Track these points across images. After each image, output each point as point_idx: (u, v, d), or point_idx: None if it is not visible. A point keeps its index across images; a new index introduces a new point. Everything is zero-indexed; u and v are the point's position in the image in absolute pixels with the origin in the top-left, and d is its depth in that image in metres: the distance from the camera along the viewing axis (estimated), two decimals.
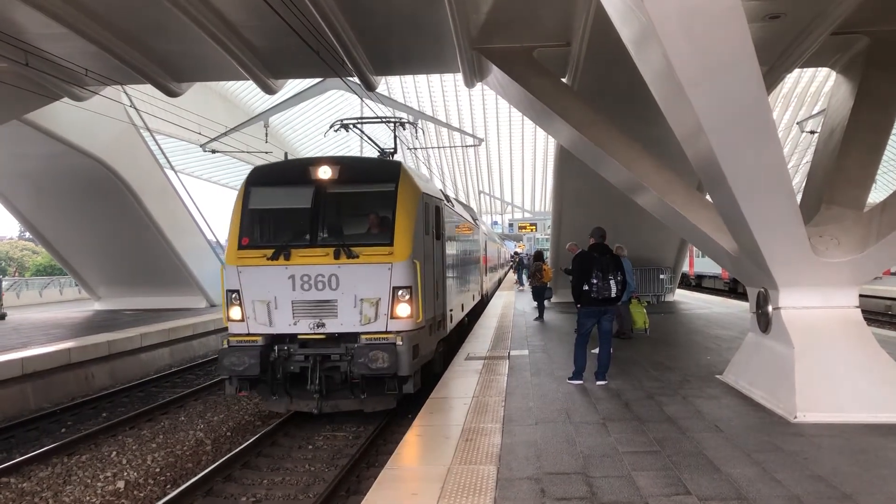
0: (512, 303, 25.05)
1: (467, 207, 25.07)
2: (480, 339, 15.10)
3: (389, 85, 52.29)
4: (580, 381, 10.06)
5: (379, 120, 15.73)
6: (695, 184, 13.03)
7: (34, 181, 23.29)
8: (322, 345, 10.37)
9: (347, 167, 11.04)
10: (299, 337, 10.38)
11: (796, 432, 7.27)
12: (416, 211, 10.79)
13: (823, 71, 33.23)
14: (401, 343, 9.95)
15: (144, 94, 20.72)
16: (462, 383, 10.15)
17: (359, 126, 14.34)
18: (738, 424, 7.64)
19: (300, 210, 10.91)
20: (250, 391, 10.78)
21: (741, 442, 6.94)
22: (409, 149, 29.46)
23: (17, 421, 12.21)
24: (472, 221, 22.03)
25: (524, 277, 34.12)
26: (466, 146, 56.77)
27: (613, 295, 9.79)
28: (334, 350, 10.29)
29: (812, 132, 30.81)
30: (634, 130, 12.11)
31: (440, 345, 12.71)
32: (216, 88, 41.30)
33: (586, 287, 9.79)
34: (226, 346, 10.40)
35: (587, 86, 13.94)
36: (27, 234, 55.58)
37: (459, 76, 15.16)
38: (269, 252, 10.45)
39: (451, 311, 13.98)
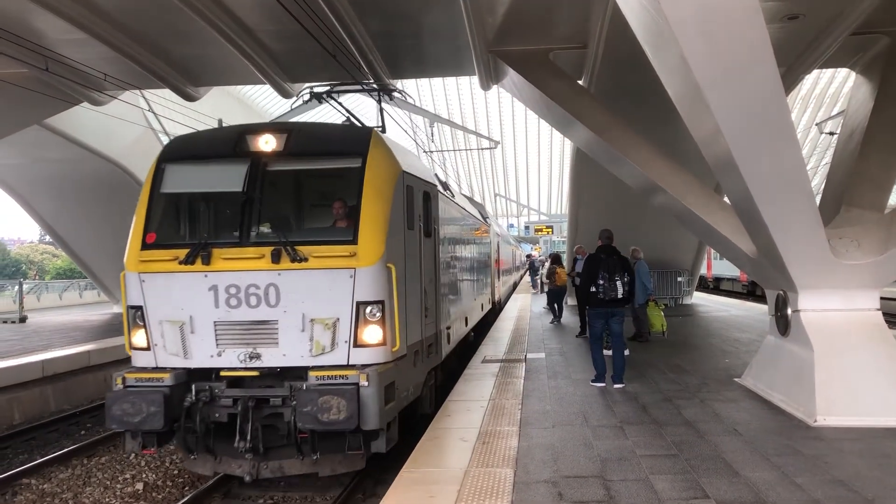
0: (528, 305, 25.03)
1: (475, 203, 21.85)
2: (497, 342, 15.11)
3: (405, 88, 52.44)
4: (602, 384, 10.00)
5: (360, 87, 11.50)
6: (712, 185, 12.95)
7: (54, 185, 23.58)
8: (258, 384, 7.55)
9: (298, 135, 8.20)
10: (224, 374, 7.56)
11: (816, 436, 7.20)
12: (392, 196, 7.95)
13: (843, 71, 32.95)
14: (366, 383, 6.99)
15: (162, 98, 20.89)
16: (479, 386, 10.14)
17: (334, 96, 10.65)
18: (757, 428, 7.58)
19: (228, 195, 8.12)
20: (160, 446, 8.03)
21: (760, 445, 6.88)
22: (424, 152, 29.42)
23: (38, 423, 12.33)
24: (482, 219, 18.97)
25: (537, 281, 34.06)
26: (482, 149, 56.67)
27: (620, 296, 9.81)
28: (275, 392, 7.41)
29: (831, 133, 30.53)
30: (651, 132, 12.07)
31: (432, 375, 9.78)
32: (233, 92, 41.45)
33: (593, 288, 9.88)
34: (119, 385, 7.49)
35: (604, 88, 13.91)
36: (47, 238, 56.27)
37: (475, 79, 15.17)
38: (183, 253, 7.61)
39: (447, 328, 10.93)
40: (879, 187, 9.78)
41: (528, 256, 57.49)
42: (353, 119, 10.26)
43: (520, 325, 18.47)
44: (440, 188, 10.88)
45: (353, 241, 7.52)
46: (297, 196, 9.09)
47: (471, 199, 21.03)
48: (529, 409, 8.59)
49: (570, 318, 20.10)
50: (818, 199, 9.15)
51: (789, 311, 8.70)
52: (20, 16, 12.17)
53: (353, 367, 7.33)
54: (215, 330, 7.53)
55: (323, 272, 7.47)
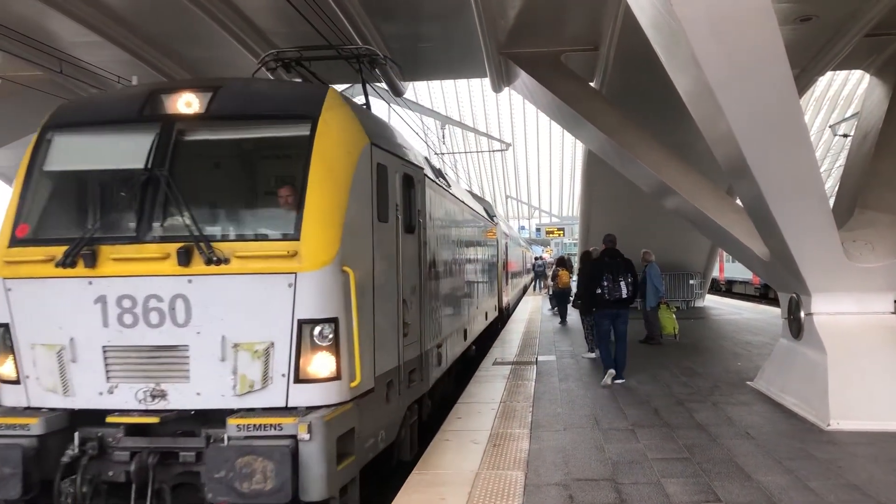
0: (539, 308, 25.00)
1: (479, 199, 19.39)
2: (508, 345, 15.10)
3: (416, 90, 52.53)
4: (621, 380, 10.48)
5: (335, 53, 8.25)
6: (725, 187, 12.90)
7: None
8: (163, 431, 5.38)
9: (227, 94, 6.09)
10: (113, 419, 5.35)
11: (829, 440, 7.15)
12: (353, 175, 5.89)
13: (857, 73, 32.78)
14: (307, 436, 4.97)
15: None
16: (489, 388, 10.13)
17: (304, 63, 8.38)
18: (770, 431, 7.54)
19: (126, 174, 5.89)
20: None
21: (773, 449, 6.84)
22: (436, 153, 29.44)
23: None
24: (487, 217, 17.19)
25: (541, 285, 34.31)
26: (493, 151, 56.68)
27: (624, 296, 10.35)
28: (185, 442, 5.31)
29: (845, 135, 30.39)
30: (663, 134, 12.05)
31: (415, 410, 7.70)
32: None
33: (599, 290, 10.41)
34: None
35: (615, 89, 13.88)
36: None
37: (486, 81, 15.18)
38: (61, 251, 5.50)
39: (437, 347, 8.83)
40: (894, 190, 9.70)
41: (538, 258, 52.44)
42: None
43: (530, 328, 18.44)
44: (430, 174, 8.67)
45: (294, 236, 5.43)
46: (222, 175, 6.72)
47: (475, 195, 19.42)
48: (540, 412, 8.57)
49: (578, 319, 20.04)
50: (832, 202, 9.11)
51: (802, 314, 8.65)
52: (35, 18, 12.28)
53: (293, 410, 5.26)
54: (105, 358, 5.42)
55: (250, 278, 5.35)
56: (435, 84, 55.90)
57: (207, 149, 6.30)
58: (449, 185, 10.95)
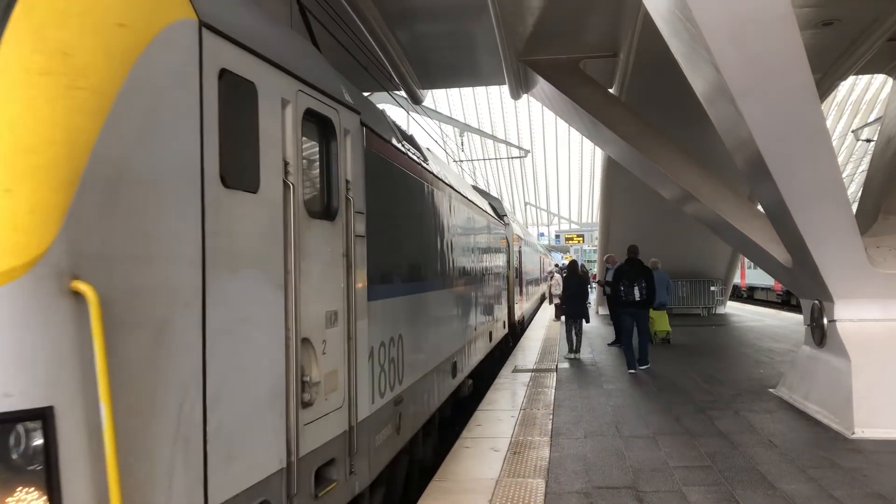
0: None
1: (485, 194, 17.50)
2: (527, 352, 15.08)
3: (435, 98, 52.69)
4: (634, 371, 11.92)
5: None
6: (746, 193, 12.83)
7: None
8: None
9: None
10: None
11: (854, 448, 7.07)
12: (129, 71, 2.80)
13: (879, 77, 32.47)
14: None
15: None
16: (509, 396, 10.12)
17: None
18: (793, 440, 7.46)
19: None
20: None
21: (796, 458, 6.78)
22: (455, 161, 29.45)
23: None
24: (494, 216, 15.01)
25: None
26: (512, 158, 56.69)
27: (638, 299, 12.08)
28: None
29: (868, 140, 30.09)
30: (683, 139, 12.02)
31: None
32: None
33: (618, 293, 12.35)
34: None
35: (635, 96, 13.86)
36: None
37: (505, 88, 15.21)
38: None
39: (396, 404, 5.99)
40: None
41: (557, 266, 44.78)
42: None
43: (550, 335, 18.39)
44: (381, 131, 5.88)
45: None
46: None
47: (480, 190, 16.97)
48: (561, 420, 8.55)
49: (598, 326, 19.98)
50: (855, 208, 9.02)
51: (825, 321, 8.57)
52: None
53: None
54: None
55: None
56: (453, 92, 56.09)
57: None
58: (426, 161, 8.01)
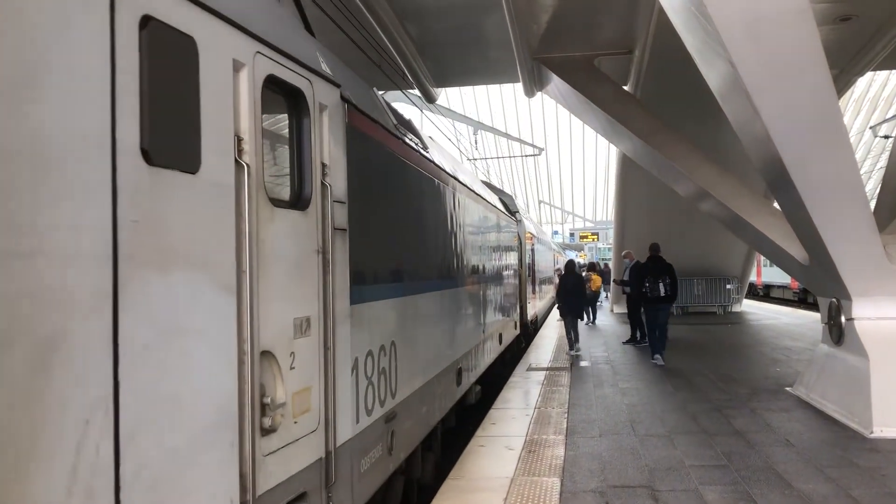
0: None
1: (494, 188, 16.95)
2: (542, 350, 15.07)
3: (449, 96, 52.66)
4: (660, 357, 12.61)
5: None
6: (762, 190, 12.74)
7: None
8: None
9: None
10: None
11: (872, 447, 7.01)
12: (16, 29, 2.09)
13: None
14: None
15: None
16: (523, 394, 10.10)
17: None
18: (811, 439, 7.40)
19: None
20: None
21: (814, 457, 6.72)
22: (469, 159, 29.44)
23: None
24: (504, 211, 14.57)
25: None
26: (526, 156, 56.58)
27: (663, 294, 12.59)
28: None
29: (886, 137, 29.80)
30: (699, 137, 11.97)
31: None
32: None
33: (643, 290, 12.72)
34: None
35: (650, 93, 13.79)
36: None
37: (519, 86, 15.18)
38: None
39: (387, 421, 5.35)
40: None
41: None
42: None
43: (563, 333, 18.32)
44: (368, 111, 5.20)
45: None
46: None
47: (490, 185, 16.79)
48: (576, 418, 8.53)
49: (614, 324, 19.92)
50: (873, 204, 8.93)
51: (843, 319, 8.49)
52: None
53: None
54: None
55: None
56: (467, 90, 56.05)
57: None
58: (426, 148, 7.43)
